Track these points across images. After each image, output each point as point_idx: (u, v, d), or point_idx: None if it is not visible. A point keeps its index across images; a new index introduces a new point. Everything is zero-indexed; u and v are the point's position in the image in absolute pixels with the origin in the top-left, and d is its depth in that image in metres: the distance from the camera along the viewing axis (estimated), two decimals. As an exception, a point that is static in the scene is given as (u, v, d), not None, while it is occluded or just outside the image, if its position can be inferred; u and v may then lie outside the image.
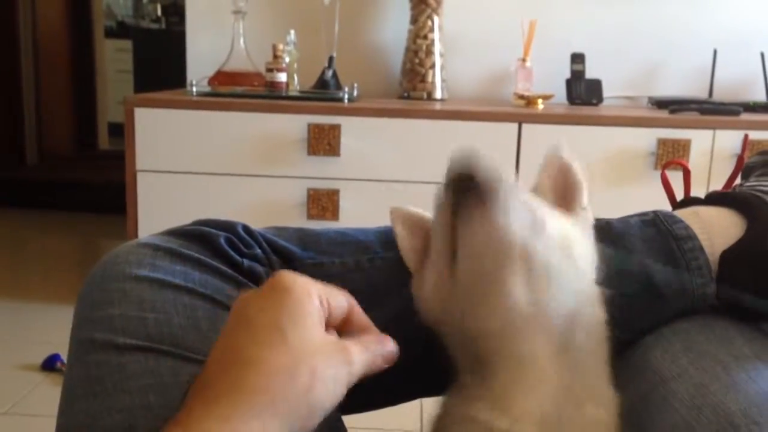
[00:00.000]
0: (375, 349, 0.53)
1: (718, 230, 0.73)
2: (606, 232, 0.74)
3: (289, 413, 0.45)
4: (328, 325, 0.51)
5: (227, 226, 0.69)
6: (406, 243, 0.66)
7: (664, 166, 0.88)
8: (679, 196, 0.86)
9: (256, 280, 0.67)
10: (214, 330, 0.60)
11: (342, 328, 0.53)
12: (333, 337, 0.50)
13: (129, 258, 0.64)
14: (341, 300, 0.53)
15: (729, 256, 0.71)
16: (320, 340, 0.48)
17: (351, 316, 0.54)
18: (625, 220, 0.76)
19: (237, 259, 0.66)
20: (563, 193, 0.66)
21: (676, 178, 0.87)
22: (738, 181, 0.92)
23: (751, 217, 0.72)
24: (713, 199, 0.78)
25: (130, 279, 0.62)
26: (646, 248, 0.72)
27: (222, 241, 0.67)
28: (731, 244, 0.71)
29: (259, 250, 0.68)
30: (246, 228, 0.70)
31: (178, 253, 0.65)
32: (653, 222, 0.74)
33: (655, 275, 0.71)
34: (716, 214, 0.75)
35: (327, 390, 0.47)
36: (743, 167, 0.92)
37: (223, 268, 0.65)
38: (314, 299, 0.50)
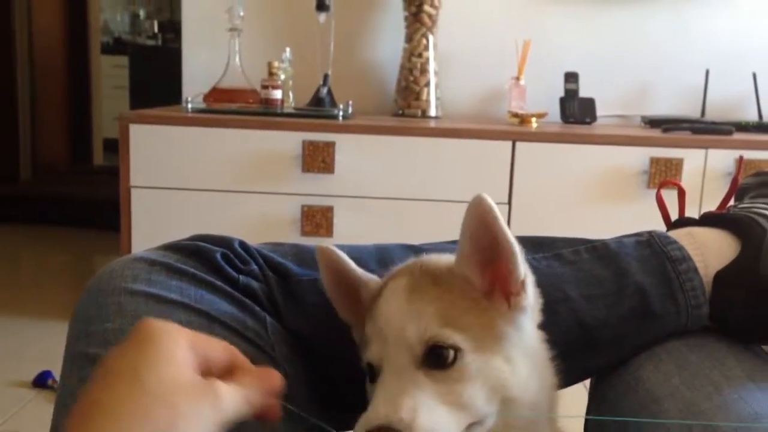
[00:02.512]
0: (251, 384, 0.52)
1: (712, 252, 0.73)
2: (601, 252, 0.74)
3: None
4: (207, 374, 0.51)
5: (224, 242, 0.69)
6: (330, 289, 0.65)
7: (660, 186, 0.89)
8: (674, 215, 0.86)
9: (252, 295, 0.67)
10: None
11: (227, 377, 0.52)
12: (199, 377, 0.49)
13: (125, 272, 0.64)
14: (219, 347, 0.53)
15: (722, 277, 0.71)
16: (183, 381, 0.48)
17: (236, 365, 0.53)
18: (620, 240, 0.77)
19: (233, 275, 0.67)
20: (491, 253, 0.57)
21: (669, 197, 0.88)
22: (732, 202, 0.92)
23: (745, 238, 0.73)
24: (708, 220, 0.78)
25: (126, 293, 0.62)
26: (641, 269, 0.72)
27: (218, 256, 0.67)
28: (725, 265, 0.72)
29: (255, 266, 0.69)
30: (242, 244, 0.70)
31: (174, 268, 0.65)
32: (648, 243, 0.75)
33: (650, 295, 0.71)
34: (710, 235, 0.76)
35: (192, 426, 0.46)
36: (737, 188, 0.92)
37: (219, 283, 0.66)
38: (180, 343, 0.49)
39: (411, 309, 0.56)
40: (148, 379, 0.47)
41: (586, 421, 0.79)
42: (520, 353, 0.57)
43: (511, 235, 0.56)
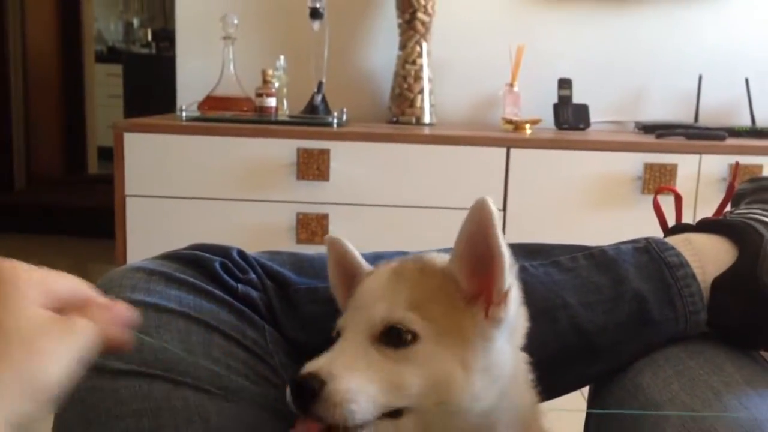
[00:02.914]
0: (102, 318, 0.51)
1: (709, 257, 0.73)
2: (599, 258, 0.74)
3: (12, 396, 0.44)
4: (60, 308, 0.49)
5: (222, 251, 0.69)
6: (332, 276, 0.66)
7: (656, 192, 0.89)
8: (670, 221, 0.87)
9: (251, 304, 0.67)
10: (207, 354, 0.60)
11: (81, 311, 0.51)
12: (51, 313, 0.48)
13: (123, 282, 0.64)
14: (66, 281, 0.52)
15: (720, 283, 0.71)
16: (36, 318, 0.47)
17: (87, 299, 0.52)
18: (617, 246, 0.77)
19: (232, 284, 0.67)
20: (484, 259, 0.57)
21: (665, 203, 0.88)
22: (728, 207, 0.93)
23: (742, 244, 0.73)
24: (704, 226, 0.79)
25: (125, 303, 0.62)
26: (638, 275, 0.72)
27: (217, 265, 0.67)
28: (722, 271, 0.72)
29: (253, 275, 0.69)
30: (241, 253, 0.70)
31: (173, 278, 0.65)
32: (646, 249, 0.75)
33: (648, 302, 0.71)
34: (708, 241, 0.76)
35: (52, 362, 0.45)
36: (733, 194, 0.93)
37: (218, 292, 0.66)
38: (30, 283, 0.48)
39: (387, 288, 0.57)
40: (2, 319, 0.45)
41: (586, 423, 0.79)
42: (481, 365, 0.56)
43: (503, 244, 0.56)
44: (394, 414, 0.53)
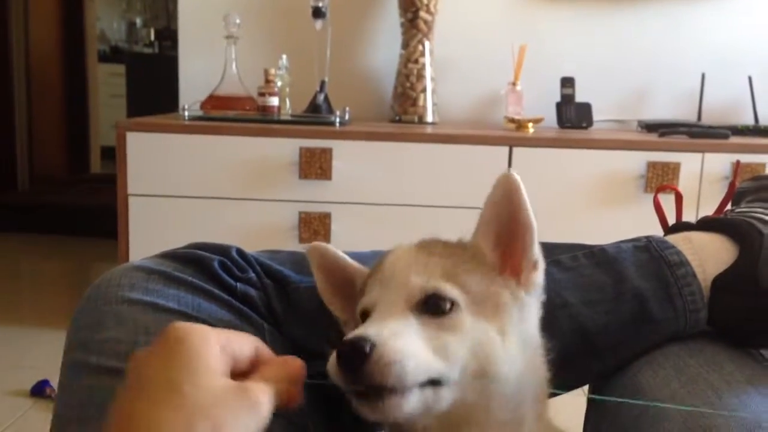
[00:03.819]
0: (278, 377, 0.51)
1: (710, 256, 0.73)
2: (599, 257, 0.74)
3: None
4: (236, 371, 0.50)
5: (221, 250, 0.69)
6: (322, 287, 0.64)
7: (657, 191, 0.89)
8: (671, 220, 0.86)
9: (250, 303, 0.67)
10: None
11: (252, 370, 0.52)
12: (233, 382, 0.49)
13: (122, 281, 0.64)
14: (245, 342, 0.52)
15: (720, 282, 0.71)
16: (220, 389, 0.47)
17: (259, 357, 0.53)
18: (617, 245, 0.77)
19: (231, 283, 0.67)
20: (509, 230, 0.58)
21: (666, 201, 0.88)
22: (729, 206, 0.93)
23: (743, 243, 0.73)
24: (705, 225, 0.78)
25: (124, 302, 0.62)
26: (639, 274, 0.72)
27: (216, 264, 0.67)
28: (723, 270, 0.72)
29: (252, 274, 0.68)
30: (240, 251, 0.70)
31: (172, 277, 0.65)
32: (646, 248, 0.75)
33: (649, 300, 0.71)
34: (708, 240, 0.76)
35: None
36: (735, 192, 0.93)
37: (217, 291, 0.66)
38: (212, 347, 0.49)
39: (418, 260, 0.57)
40: (189, 391, 0.45)
41: (585, 421, 0.79)
42: (516, 332, 0.56)
43: (532, 214, 0.57)
44: (436, 383, 0.52)
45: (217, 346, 0.49)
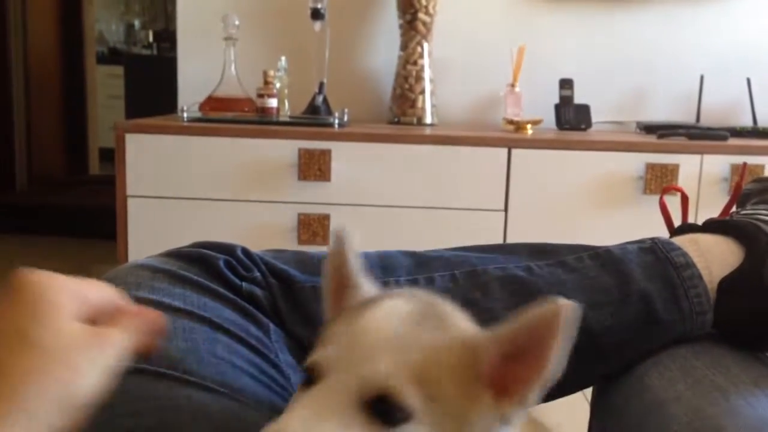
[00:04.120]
0: (135, 326, 0.51)
1: (716, 258, 0.73)
2: (605, 259, 0.74)
3: (50, 412, 0.44)
4: (93, 318, 0.49)
5: (226, 249, 0.69)
6: (325, 279, 0.57)
7: (663, 192, 0.89)
8: (675, 221, 0.87)
9: (255, 302, 0.67)
10: (212, 353, 0.60)
11: (110, 320, 0.51)
12: (87, 326, 0.48)
13: (128, 279, 0.64)
14: (101, 291, 0.52)
15: (727, 284, 0.71)
16: (73, 333, 0.47)
17: (118, 308, 0.52)
18: (623, 246, 0.77)
19: (236, 282, 0.67)
20: (522, 354, 0.47)
21: (669, 202, 0.88)
22: (734, 208, 0.93)
23: (749, 245, 0.73)
24: (711, 227, 0.78)
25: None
26: (645, 275, 0.72)
27: (221, 263, 0.67)
28: (729, 272, 0.72)
29: (258, 273, 0.69)
30: (245, 251, 0.70)
31: (178, 276, 0.65)
32: (652, 249, 0.75)
33: (654, 302, 0.71)
34: (714, 242, 0.76)
35: (89, 379, 0.46)
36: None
37: (222, 291, 0.66)
38: (60, 292, 0.48)
39: (395, 341, 0.46)
40: (38, 336, 0.45)
41: (590, 423, 0.79)
42: None
43: (555, 358, 0.47)
44: None
45: (67, 291, 0.49)
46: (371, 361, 0.45)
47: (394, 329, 0.47)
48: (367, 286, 0.56)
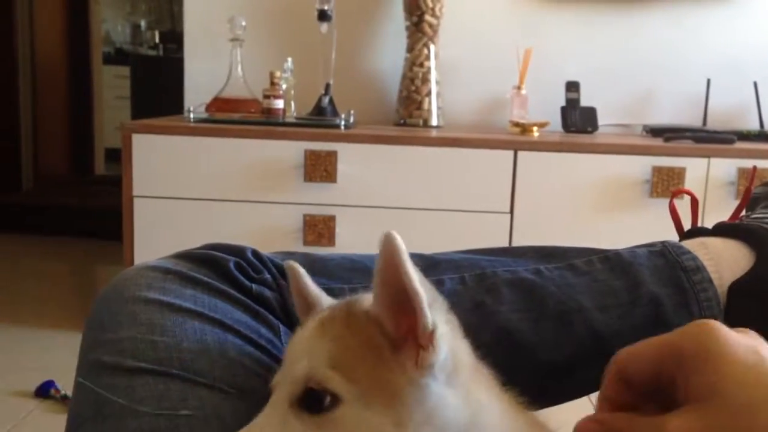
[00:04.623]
0: None
1: (726, 262, 0.73)
2: (614, 262, 0.74)
3: None
4: None
5: (236, 251, 0.69)
6: (298, 307, 0.60)
7: (673, 195, 0.88)
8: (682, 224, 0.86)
9: (266, 304, 0.67)
10: (223, 354, 0.60)
11: None
12: None
13: (139, 281, 0.64)
14: None
15: (737, 288, 0.71)
16: None
17: None
18: (632, 250, 0.76)
19: (246, 284, 0.67)
20: (399, 299, 0.49)
21: (678, 206, 0.87)
22: (744, 212, 0.92)
23: (759, 249, 0.73)
24: (721, 230, 0.78)
25: (140, 302, 0.62)
26: (654, 279, 0.72)
27: (231, 265, 0.67)
28: (739, 276, 0.71)
29: (268, 275, 0.68)
30: (255, 252, 0.70)
31: (188, 277, 0.65)
32: (662, 253, 0.74)
33: (664, 306, 0.71)
34: (724, 245, 0.75)
35: None
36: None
37: (233, 292, 0.65)
38: None
39: (310, 342, 0.51)
40: None
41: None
42: (418, 419, 0.49)
43: (416, 281, 0.48)
44: None
45: None
46: (293, 365, 0.51)
47: (307, 336, 0.52)
48: (322, 303, 0.58)
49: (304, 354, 0.50)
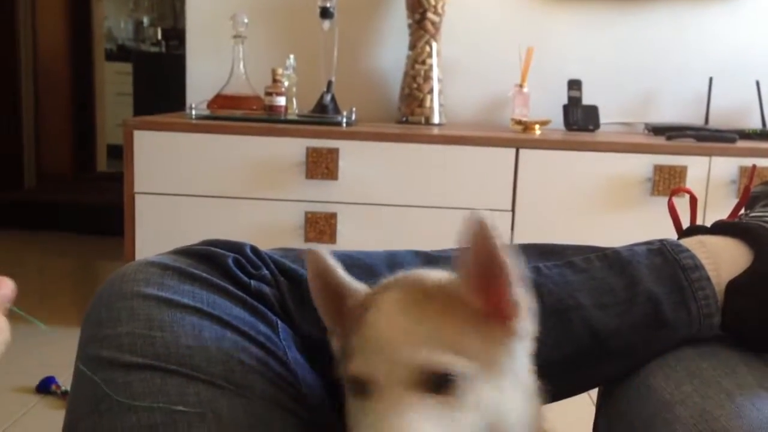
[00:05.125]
0: None
1: (724, 260, 0.73)
2: (613, 260, 0.74)
3: None
4: None
5: (235, 247, 0.69)
6: (316, 295, 0.61)
7: (671, 194, 0.88)
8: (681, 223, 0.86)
9: (264, 300, 0.67)
10: (221, 350, 0.60)
11: None
12: None
13: (137, 276, 0.64)
14: None
15: (735, 286, 0.71)
16: None
17: None
18: (631, 248, 0.76)
19: (245, 280, 0.67)
20: (486, 274, 0.54)
21: (677, 204, 0.87)
22: (743, 210, 0.92)
23: (758, 247, 0.73)
24: (719, 229, 0.78)
25: (138, 297, 0.62)
26: (652, 277, 0.72)
27: (230, 261, 0.67)
28: (737, 274, 0.72)
29: (266, 271, 0.69)
30: (254, 249, 0.70)
31: (187, 273, 0.65)
32: (660, 251, 0.75)
33: (662, 304, 0.71)
34: (722, 244, 0.76)
35: None
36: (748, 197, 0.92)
37: (231, 288, 0.66)
38: None
39: (407, 327, 0.52)
40: None
41: (595, 424, 0.79)
42: (514, 383, 0.54)
43: (505, 255, 0.53)
44: None
45: None
46: (401, 351, 0.51)
47: (401, 321, 0.53)
48: (357, 290, 0.60)
49: (404, 340, 0.52)
